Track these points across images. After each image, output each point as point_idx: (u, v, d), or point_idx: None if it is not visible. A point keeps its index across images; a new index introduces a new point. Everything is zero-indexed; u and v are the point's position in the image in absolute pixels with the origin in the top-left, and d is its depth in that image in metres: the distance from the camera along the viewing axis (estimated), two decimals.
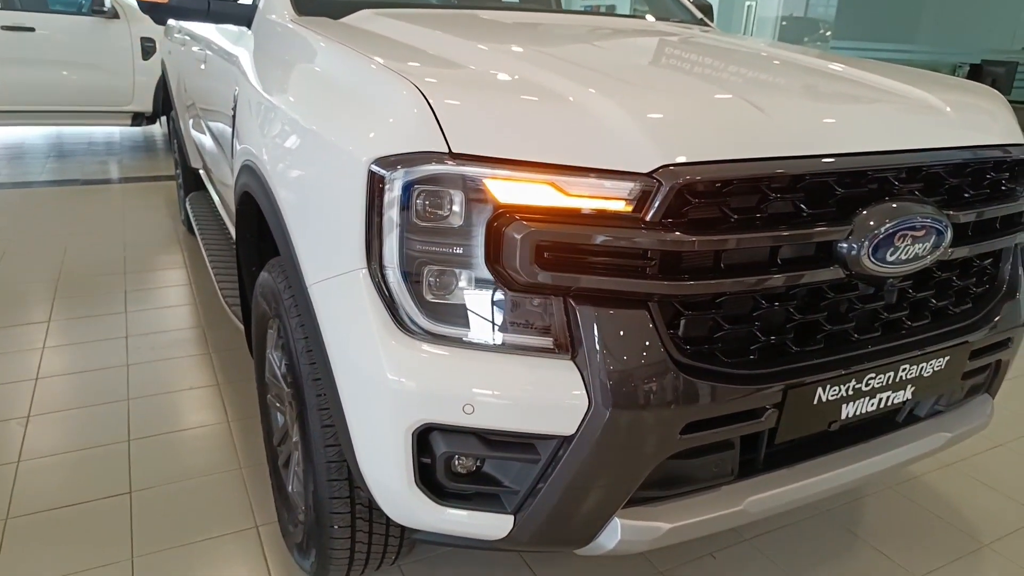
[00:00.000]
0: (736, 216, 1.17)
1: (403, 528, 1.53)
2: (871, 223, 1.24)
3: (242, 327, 2.20)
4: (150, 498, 2.04)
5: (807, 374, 1.28)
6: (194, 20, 2.21)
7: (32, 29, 6.17)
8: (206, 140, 3.03)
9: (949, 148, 1.38)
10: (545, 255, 1.12)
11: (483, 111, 1.16)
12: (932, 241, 1.31)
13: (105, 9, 6.31)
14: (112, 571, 1.77)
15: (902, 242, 1.27)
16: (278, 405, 1.80)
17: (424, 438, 1.21)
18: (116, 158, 6.77)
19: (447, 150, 1.12)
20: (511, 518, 1.24)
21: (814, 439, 1.45)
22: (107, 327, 3.11)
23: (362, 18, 1.90)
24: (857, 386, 1.34)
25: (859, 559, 1.94)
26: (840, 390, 1.32)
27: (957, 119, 1.45)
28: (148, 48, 6.29)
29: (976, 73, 6.94)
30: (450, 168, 1.11)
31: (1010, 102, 5.06)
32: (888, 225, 1.25)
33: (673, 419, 1.17)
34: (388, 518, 1.48)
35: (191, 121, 3.51)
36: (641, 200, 1.12)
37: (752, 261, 1.22)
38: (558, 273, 1.12)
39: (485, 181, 1.11)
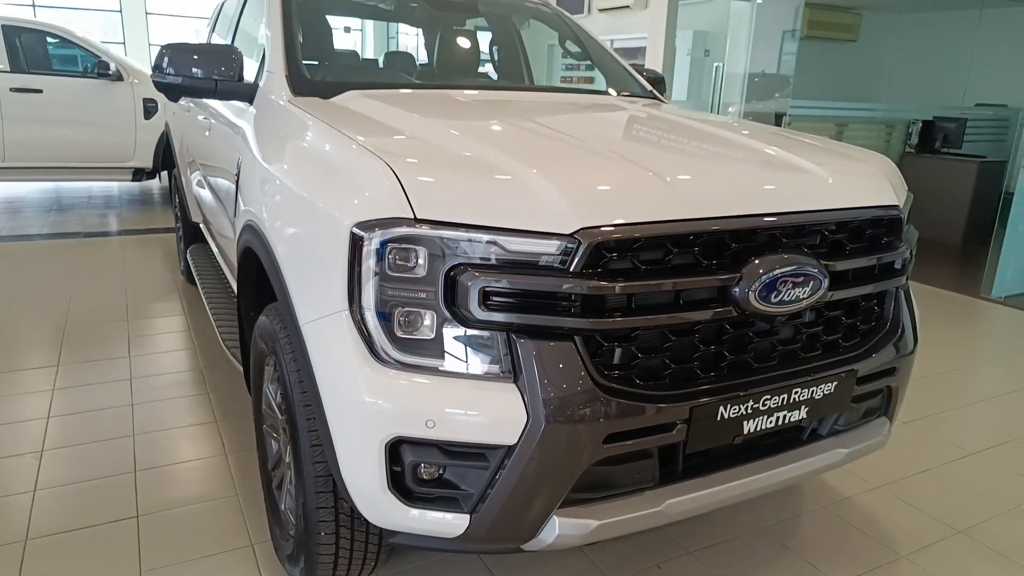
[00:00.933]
0: (644, 266, 1.47)
1: (380, 536, 1.78)
2: (757, 271, 1.54)
3: (240, 367, 2.47)
4: (155, 521, 2.27)
5: (710, 395, 1.56)
6: (204, 97, 2.54)
7: (40, 91, 6.55)
8: (207, 196, 3.34)
9: (826, 210, 1.69)
10: (490, 299, 1.41)
11: (441, 184, 1.47)
12: (811, 286, 1.61)
13: (110, 72, 6.71)
14: None
15: (784, 287, 1.57)
16: (273, 434, 2.06)
17: (395, 449, 1.48)
18: (115, 211, 7.08)
19: (413, 216, 1.42)
20: (467, 517, 1.50)
21: (728, 453, 1.73)
22: (112, 370, 3.36)
23: (348, 99, 2.23)
24: (755, 405, 1.62)
25: (788, 568, 2.19)
26: (740, 409, 1.59)
27: (835, 184, 1.76)
28: (150, 108, 6.67)
29: (928, 128, 7.41)
30: (415, 231, 1.41)
31: (959, 155, 5.49)
32: (771, 273, 1.55)
33: (596, 431, 1.45)
34: (367, 526, 1.74)
35: (193, 178, 3.83)
36: (565, 255, 1.42)
37: (659, 302, 1.51)
38: (501, 313, 1.41)
39: (442, 240, 1.41)
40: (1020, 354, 4.24)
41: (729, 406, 1.58)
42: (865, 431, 1.93)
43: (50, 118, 6.59)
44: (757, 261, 1.56)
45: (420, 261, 1.43)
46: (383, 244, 1.42)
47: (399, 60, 3.82)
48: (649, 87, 3.11)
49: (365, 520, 1.63)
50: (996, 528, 2.43)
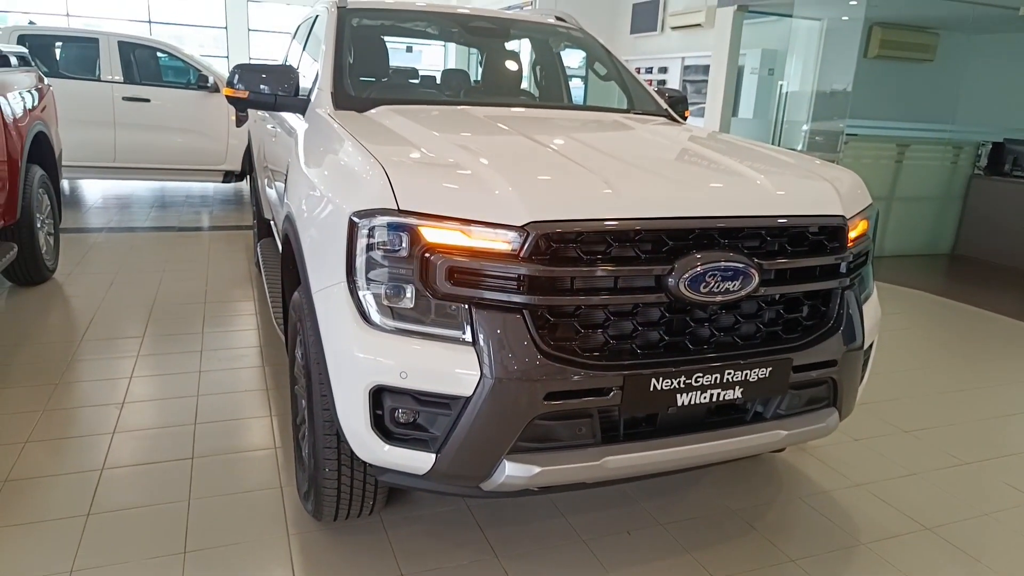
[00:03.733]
0: (585, 255, 1.77)
1: (376, 479, 2.13)
2: (688, 264, 1.81)
3: (283, 337, 2.89)
4: (205, 464, 2.70)
5: (643, 368, 1.84)
6: (265, 109, 3.00)
7: (148, 100, 7.35)
8: (273, 195, 3.82)
9: (763, 216, 1.94)
10: (455, 276, 1.74)
11: (422, 183, 1.82)
12: (740, 281, 1.87)
13: (208, 84, 7.46)
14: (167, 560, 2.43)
15: (712, 280, 1.83)
16: (302, 394, 2.45)
17: (377, 396, 1.83)
18: (208, 209, 7.82)
19: (397, 207, 1.77)
20: (433, 456, 1.83)
21: (672, 426, 1.99)
22: (186, 343, 3.87)
23: (378, 113, 2.63)
24: (687, 381, 1.88)
25: (751, 545, 2.41)
26: (672, 382, 1.86)
27: (779, 194, 2.01)
28: (241, 118, 7.36)
29: (998, 150, 7.24)
30: (398, 219, 1.76)
31: None
32: (701, 266, 1.81)
33: (537, 389, 1.75)
34: (365, 467, 2.09)
35: (265, 180, 4.34)
36: (516, 243, 1.73)
37: (598, 286, 1.80)
38: (463, 288, 1.74)
39: (419, 228, 1.75)
40: None
41: (662, 379, 1.85)
42: (809, 417, 2.14)
43: (155, 124, 7.39)
44: (693, 256, 1.83)
45: (402, 244, 1.77)
46: (372, 229, 1.78)
47: (450, 78, 4.22)
48: (665, 107, 3.37)
49: (363, 462, 1.98)
50: (966, 529, 2.56)
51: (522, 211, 1.74)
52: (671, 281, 1.82)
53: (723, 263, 1.84)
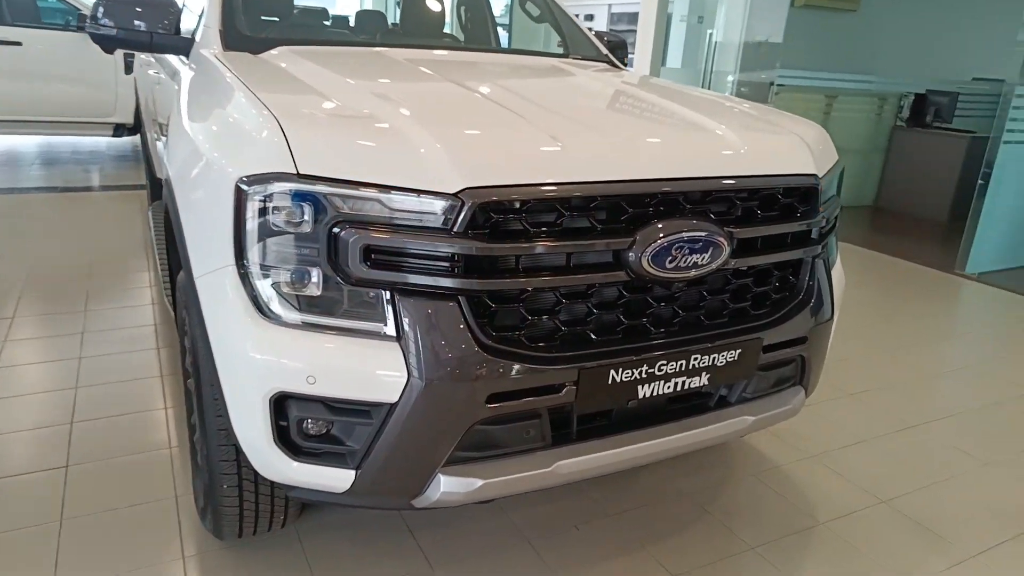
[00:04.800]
0: (532, 228, 1.46)
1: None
2: (651, 235, 1.53)
3: (173, 315, 2.48)
4: (84, 472, 2.30)
5: (600, 358, 1.56)
6: (139, 51, 2.52)
7: (19, 43, 6.48)
8: (163, 152, 3.32)
9: (733, 176, 1.67)
10: (372, 256, 1.41)
11: (326, 140, 1.45)
12: (711, 253, 1.60)
13: None
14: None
15: (679, 252, 1.56)
16: (192, 390, 2.08)
17: (280, 404, 1.49)
18: (99, 167, 7.06)
19: (295, 171, 1.41)
20: (353, 472, 1.51)
21: (629, 417, 1.74)
22: (66, 324, 3.38)
23: (276, 54, 2.20)
24: (650, 370, 1.62)
25: (706, 532, 2.22)
26: (633, 373, 1.60)
27: (747, 151, 1.74)
28: (129, 63, 6.59)
29: (920, 102, 7.29)
30: (297, 186, 1.40)
31: (949, 130, 5.41)
32: (665, 238, 1.54)
33: (477, 391, 1.45)
34: (272, 484, 1.76)
35: (153, 134, 3.80)
36: (449, 214, 1.41)
37: (548, 265, 1.50)
38: (384, 271, 1.41)
39: (324, 197, 1.40)
40: (984, 330, 4.24)
41: (621, 370, 1.58)
42: (776, 399, 1.93)
43: (29, 71, 6.53)
44: (655, 226, 1.55)
45: (304, 217, 1.42)
46: (266, 199, 1.42)
47: (365, 19, 3.76)
48: (605, 52, 3.06)
49: None
50: (921, 499, 2.46)
51: (454, 175, 1.41)
52: (631, 256, 1.54)
53: (690, 233, 1.57)
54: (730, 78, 8.22)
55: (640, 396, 1.64)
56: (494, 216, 1.44)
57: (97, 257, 4.35)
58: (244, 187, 1.43)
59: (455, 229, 1.41)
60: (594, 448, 1.65)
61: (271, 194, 1.41)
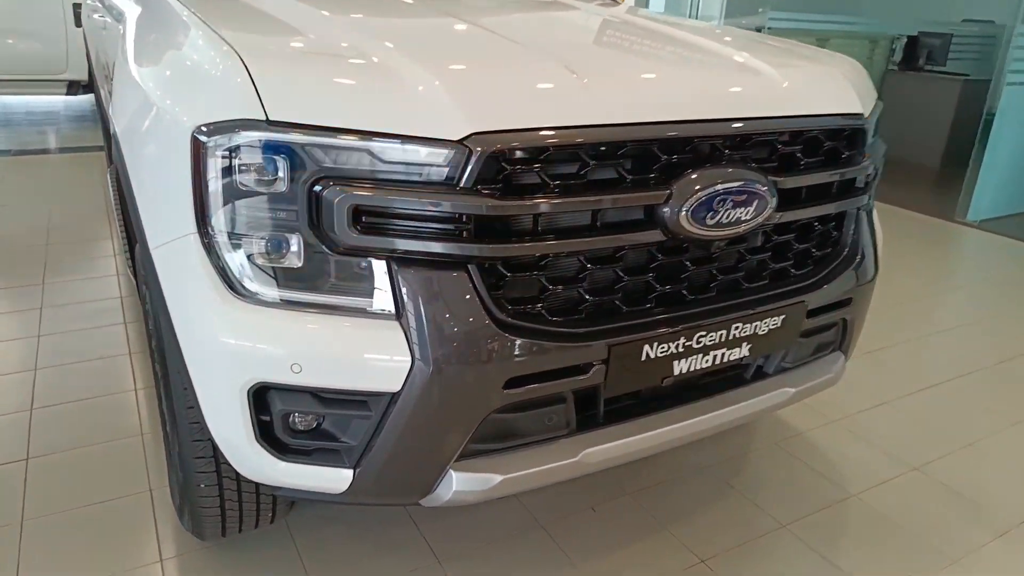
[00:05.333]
0: (553, 181, 1.23)
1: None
2: (690, 188, 1.31)
3: (136, 285, 2.22)
4: (46, 464, 2.07)
5: (633, 332, 1.35)
6: None
7: None
8: None
9: (776, 117, 1.44)
10: (363, 219, 1.17)
11: (301, 80, 1.19)
12: (756, 206, 1.38)
13: None
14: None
15: (722, 206, 1.34)
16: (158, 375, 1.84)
17: (261, 396, 1.26)
18: (55, 127, 6.62)
19: (265, 117, 1.15)
20: (351, 472, 1.30)
21: (658, 394, 1.53)
22: (22, 299, 3.09)
23: None
24: (688, 343, 1.41)
25: (732, 509, 2.05)
26: (669, 347, 1.39)
27: (789, 88, 1.51)
28: (78, 13, 6.12)
29: (913, 44, 7.04)
30: (266, 135, 1.15)
31: (942, 73, 5.14)
32: (706, 190, 1.31)
33: (494, 375, 1.24)
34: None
35: (105, 88, 3.46)
36: (454, 166, 1.17)
37: (572, 225, 1.27)
38: (376, 237, 1.17)
39: (301, 148, 1.15)
40: (991, 281, 4.10)
41: (656, 344, 1.37)
42: (816, 368, 1.74)
43: None
44: (692, 176, 1.32)
45: (278, 173, 1.17)
46: (230, 152, 1.16)
47: None
48: None
49: None
50: (953, 464, 2.31)
51: (459, 119, 1.17)
52: (667, 212, 1.31)
53: (733, 184, 1.34)
54: (715, 22, 7.90)
55: (676, 373, 1.43)
56: (507, 168, 1.20)
57: (55, 224, 4.03)
58: (202, 138, 1.17)
59: (461, 184, 1.17)
60: (624, 432, 1.45)
61: (236, 146, 1.16)
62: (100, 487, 1.99)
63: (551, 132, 1.21)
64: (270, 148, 1.15)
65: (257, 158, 1.16)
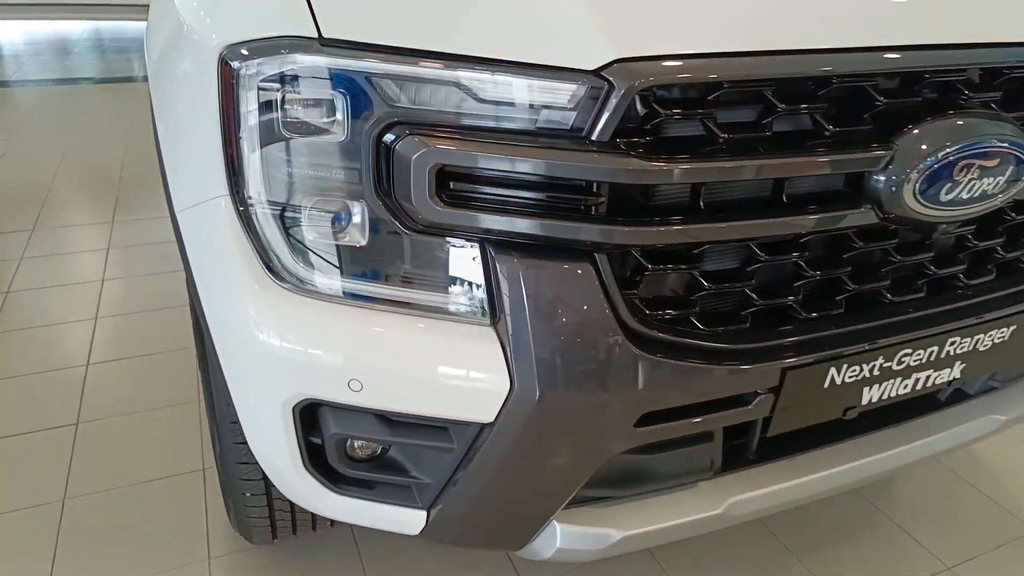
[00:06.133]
0: (724, 134, 0.84)
1: None
2: (922, 147, 0.89)
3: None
4: (97, 430, 1.88)
5: (816, 349, 0.96)
6: None
7: None
8: None
9: None
10: (452, 185, 0.82)
11: None
12: (1009, 173, 0.95)
13: None
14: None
15: (964, 175, 0.91)
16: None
17: (312, 413, 0.96)
18: (141, 55, 6.51)
19: (317, 34, 0.80)
20: (423, 514, 0.99)
21: (829, 424, 1.15)
22: (89, 239, 2.93)
23: None
24: (886, 364, 1.02)
25: (881, 541, 1.67)
26: (862, 370, 1.00)
27: None
28: None
29: None
30: (318, 59, 0.80)
31: None
32: (947, 150, 0.89)
33: (626, 407, 0.89)
34: None
35: None
36: (586, 109, 0.79)
37: (746, 198, 0.89)
38: (469, 212, 0.82)
39: (367, 79, 0.80)
40: None
41: (846, 367, 0.98)
42: None
43: None
44: (922, 129, 0.90)
45: (335, 115, 0.83)
46: (268, 83, 0.82)
47: None
48: None
49: None
50: None
51: (596, 38, 0.78)
52: (886, 182, 0.90)
53: (991, 140, 0.91)
54: None
55: (864, 403, 1.04)
56: (660, 113, 0.81)
57: (130, 157, 3.86)
58: (233, 63, 0.84)
59: (595, 135, 0.80)
60: (781, 474, 1.09)
61: (277, 75, 0.82)
62: (150, 463, 1.78)
63: (726, 61, 0.81)
64: (323, 78, 0.81)
65: (305, 93, 0.82)
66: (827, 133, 0.89)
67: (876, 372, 1.02)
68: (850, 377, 1.00)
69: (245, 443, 1.16)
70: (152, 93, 1.19)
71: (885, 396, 1.06)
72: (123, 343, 2.25)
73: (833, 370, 0.98)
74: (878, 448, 1.15)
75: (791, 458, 1.11)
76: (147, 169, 3.69)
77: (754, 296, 0.95)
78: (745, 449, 1.08)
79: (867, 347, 0.99)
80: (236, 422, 1.14)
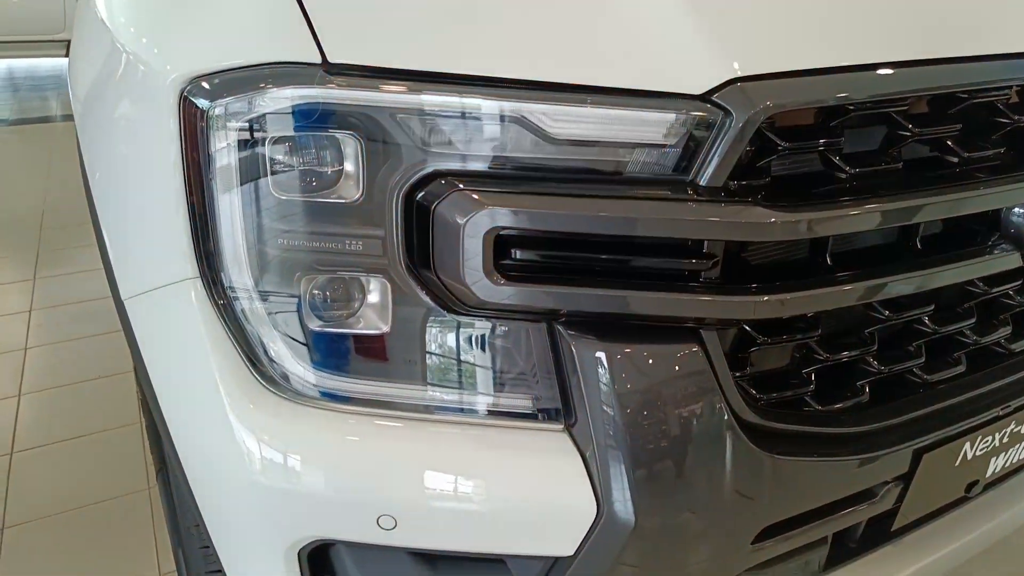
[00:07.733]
0: (848, 168, 0.65)
1: None
2: None
3: None
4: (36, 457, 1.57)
5: (950, 421, 0.78)
6: None
7: None
8: None
9: None
10: (514, 254, 0.61)
11: None
12: None
13: None
14: None
15: None
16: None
17: (323, 555, 0.72)
18: (58, 93, 6.08)
19: (320, 59, 0.58)
20: None
21: None
22: (8, 299, 2.59)
23: None
24: (1017, 428, 0.85)
25: None
26: (994, 439, 0.83)
27: None
28: None
29: None
30: (323, 92, 0.58)
31: None
32: None
33: (745, 523, 0.69)
34: None
35: None
36: (690, 146, 0.60)
37: (871, 246, 0.70)
38: (539, 285, 0.61)
39: (390, 116, 0.58)
40: None
41: (980, 438, 0.81)
42: None
43: None
44: None
45: (346, 166, 0.61)
46: (253, 125, 0.60)
47: None
48: None
49: None
50: None
51: (708, 53, 0.59)
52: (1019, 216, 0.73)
53: None
54: None
55: (988, 474, 0.87)
56: (779, 146, 0.62)
57: (50, 203, 3.50)
58: (199, 102, 0.61)
59: (705, 179, 0.60)
60: (893, 562, 0.90)
61: (266, 115, 0.60)
62: (92, 486, 1.52)
63: (857, 76, 0.63)
64: (330, 118, 0.59)
65: (303, 139, 0.60)
66: (958, 162, 0.72)
67: (1006, 439, 0.85)
68: (982, 449, 0.82)
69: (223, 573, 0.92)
70: (80, 138, 0.94)
71: (1009, 463, 0.89)
72: (53, 422, 1.93)
73: (967, 444, 0.80)
74: (998, 510, 0.99)
75: (897, 543, 0.93)
76: (70, 217, 3.34)
77: (872, 362, 0.76)
78: (848, 543, 0.89)
79: (1000, 412, 0.82)
80: (209, 547, 0.89)
